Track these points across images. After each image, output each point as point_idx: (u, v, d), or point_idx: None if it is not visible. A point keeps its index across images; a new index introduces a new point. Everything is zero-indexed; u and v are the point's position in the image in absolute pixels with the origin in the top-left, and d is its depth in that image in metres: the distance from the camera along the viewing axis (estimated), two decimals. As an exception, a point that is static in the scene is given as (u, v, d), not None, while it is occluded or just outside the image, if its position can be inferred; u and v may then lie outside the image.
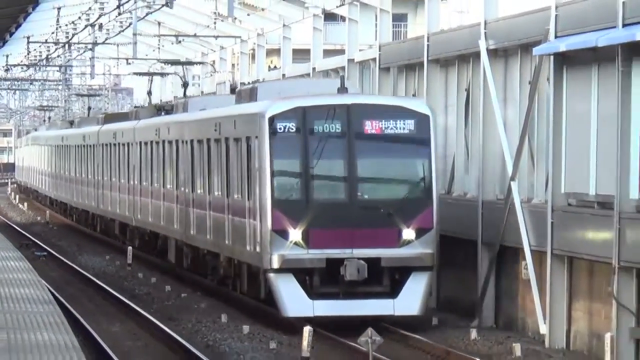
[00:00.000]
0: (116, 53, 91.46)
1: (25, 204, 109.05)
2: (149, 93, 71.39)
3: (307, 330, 30.18)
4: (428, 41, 43.72)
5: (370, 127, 23.57)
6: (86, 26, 76.70)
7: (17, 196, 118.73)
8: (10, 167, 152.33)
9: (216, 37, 69.57)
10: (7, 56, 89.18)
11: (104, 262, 58.77)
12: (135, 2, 63.14)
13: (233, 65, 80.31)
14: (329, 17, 58.82)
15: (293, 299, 23.33)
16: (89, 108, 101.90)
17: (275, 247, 23.30)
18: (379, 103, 24.73)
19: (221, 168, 34.51)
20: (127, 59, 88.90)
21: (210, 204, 37.71)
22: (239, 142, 30.04)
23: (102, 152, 66.95)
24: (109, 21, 73.07)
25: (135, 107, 72.18)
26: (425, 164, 24.24)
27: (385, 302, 23.62)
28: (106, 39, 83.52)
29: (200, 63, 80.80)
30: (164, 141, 48.09)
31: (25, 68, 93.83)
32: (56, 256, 61.02)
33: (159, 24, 76.08)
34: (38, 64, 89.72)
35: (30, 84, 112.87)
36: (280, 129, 23.39)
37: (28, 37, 78.52)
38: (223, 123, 33.88)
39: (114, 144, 59.59)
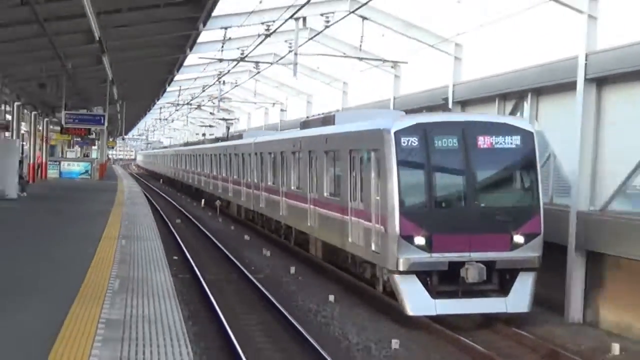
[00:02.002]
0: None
1: (136, 171, 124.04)
2: (203, 134, 71.59)
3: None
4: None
5: (483, 142, 17.58)
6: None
7: (136, 170, 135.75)
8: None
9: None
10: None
11: (183, 199, 61.38)
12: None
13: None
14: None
15: (417, 299, 16.62)
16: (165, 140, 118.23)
17: (401, 251, 16.51)
18: (488, 121, 18.54)
19: (310, 174, 24.34)
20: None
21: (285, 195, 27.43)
22: (335, 154, 21.77)
23: (185, 158, 63.41)
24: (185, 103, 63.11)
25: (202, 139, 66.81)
26: (532, 175, 17.93)
27: (498, 300, 17.13)
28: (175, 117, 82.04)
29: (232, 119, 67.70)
30: (230, 154, 40.59)
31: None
32: (155, 190, 63.26)
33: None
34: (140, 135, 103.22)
35: (139, 136, 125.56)
36: (404, 142, 17.10)
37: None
38: (303, 141, 25.29)
39: (199, 154, 54.31)
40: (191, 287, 19.77)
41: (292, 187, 26.04)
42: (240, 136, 40.85)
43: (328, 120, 23.87)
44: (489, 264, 16.52)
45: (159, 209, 41.75)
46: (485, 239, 16.75)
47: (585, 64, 21.19)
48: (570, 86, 21.27)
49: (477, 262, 16.29)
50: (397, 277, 16.37)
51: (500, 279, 16.96)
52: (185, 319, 10.42)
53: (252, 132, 44.47)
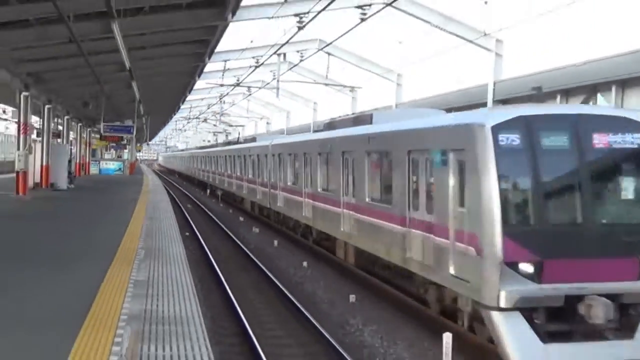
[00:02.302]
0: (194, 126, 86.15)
1: (157, 169, 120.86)
2: (215, 140, 68.47)
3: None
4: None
5: (599, 140, 9.18)
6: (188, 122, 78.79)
7: (158, 168, 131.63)
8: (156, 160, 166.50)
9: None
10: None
11: (193, 189, 58.24)
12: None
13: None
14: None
15: (524, 345, 8.41)
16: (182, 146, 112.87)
17: (504, 281, 8.49)
18: (603, 114, 9.64)
19: (343, 177, 16.18)
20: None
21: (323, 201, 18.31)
22: (383, 156, 13.74)
23: (200, 159, 53.31)
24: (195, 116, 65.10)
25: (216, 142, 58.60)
26: None
27: (622, 344, 8.73)
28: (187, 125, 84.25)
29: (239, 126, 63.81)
30: (244, 155, 31.27)
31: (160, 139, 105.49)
32: (173, 184, 63.55)
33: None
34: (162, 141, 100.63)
35: (160, 142, 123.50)
36: (502, 141, 8.91)
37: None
38: (335, 141, 17.05)
39: (213, 156, 44.21)
40: (199, 255, 19.80)
41: (319, 189, 18.59)
42: (253, 139, 33.28)
43: (363, 119, 16.42)
44: (613, 298, 9.32)
45: (175, 197, 41.73)
46: (609, 264, 9.51)
47: (493, 89, 21.57)
48: (482, 106, 21.63)
49: (599, 295, 9.24)
50: (496, 316, 9.24)
51: (622, 316, 9.46)
52: (194, 279, 10.45)
53: (266, 136, 36.16)
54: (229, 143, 44.57)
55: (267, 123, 57.78)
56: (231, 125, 62.70)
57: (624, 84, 18.39)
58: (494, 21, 21.62)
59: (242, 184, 32.10)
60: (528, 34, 21.55)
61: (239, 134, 54.65)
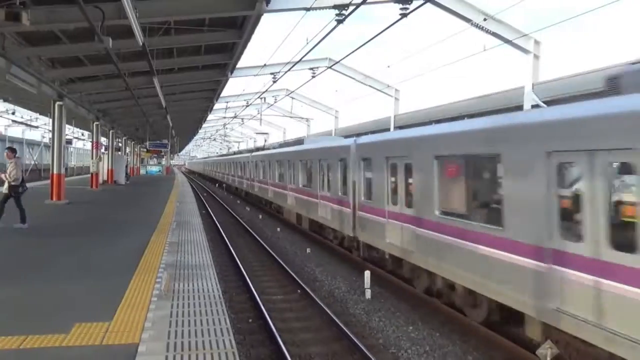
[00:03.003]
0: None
1: (184, 171, 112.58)
2: (242, 147, 58.35)
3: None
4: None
5: None
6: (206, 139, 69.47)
7: (184, 170, 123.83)
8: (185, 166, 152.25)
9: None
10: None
11: (214, 186, 44.95)
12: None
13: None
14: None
15: None
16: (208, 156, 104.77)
17: None
18: None
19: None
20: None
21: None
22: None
23: (225, 165, 38.58)
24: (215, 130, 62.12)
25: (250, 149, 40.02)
26: None
27: None
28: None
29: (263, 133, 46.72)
30: (287, 160, 17.33)
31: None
32: (197, 181, 59.70)
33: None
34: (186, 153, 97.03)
35: (185, 154, 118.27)
36: None
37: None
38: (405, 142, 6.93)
39: (247, 162, 27.33)
40: (211, 225, 19.54)
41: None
42: (300, 142, 17.86)
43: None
44: None
45: (195, 189, 41.20)
46: None
47: (394, 120, 21.96)
48: (387, 130, 21.94)
49: None
50: None
51: None
52: (208, 240, 10.35)
53: (313, 138, 18.85)
54: (257, 149, 30.51)
55: (255, 141, 57.49)
56: (260, 133, 54.62)
57: (472, 116, 19.44)
58: (393, 77, 22.07)
59: (285, 193, 17.97)
60: (415, 86, 22.08)
61: (265, 140, 40.31)
